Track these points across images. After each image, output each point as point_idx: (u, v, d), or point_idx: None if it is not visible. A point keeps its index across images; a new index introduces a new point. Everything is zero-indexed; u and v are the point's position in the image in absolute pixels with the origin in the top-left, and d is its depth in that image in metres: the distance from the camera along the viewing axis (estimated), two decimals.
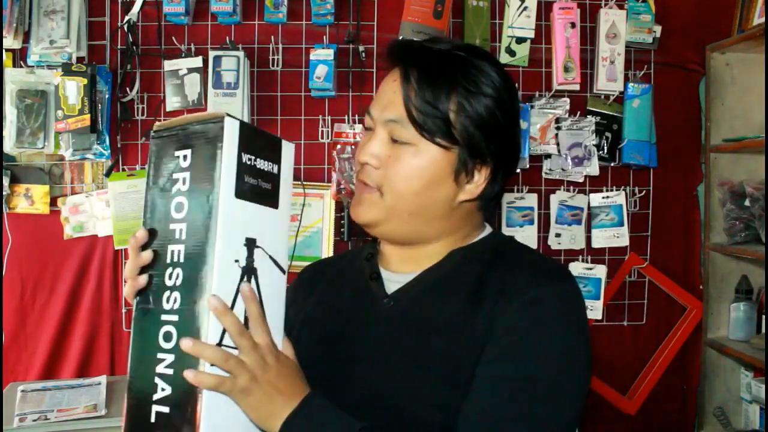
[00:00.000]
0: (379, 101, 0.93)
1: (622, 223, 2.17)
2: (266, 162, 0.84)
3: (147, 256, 0.80)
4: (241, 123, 0.81)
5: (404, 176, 0.90)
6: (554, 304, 0.86)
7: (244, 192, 0.80)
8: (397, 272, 0.98)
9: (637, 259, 2.19)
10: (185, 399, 0.76)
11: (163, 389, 0.78)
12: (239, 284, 0.79)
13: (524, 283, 0.88)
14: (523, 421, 0.82)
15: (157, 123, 0.85)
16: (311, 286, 1.09)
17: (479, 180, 0.92)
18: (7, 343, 2.13)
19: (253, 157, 0.82)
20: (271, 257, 0.84)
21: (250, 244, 0.81)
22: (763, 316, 2.10)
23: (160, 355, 0.78)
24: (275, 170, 0.86)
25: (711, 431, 2.21)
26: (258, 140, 0.83)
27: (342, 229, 2.13)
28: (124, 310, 2.16)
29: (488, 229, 1.01)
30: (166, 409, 0.77)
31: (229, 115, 0.79)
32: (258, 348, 0.79)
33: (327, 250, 2.13)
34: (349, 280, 1.03)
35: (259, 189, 0.82)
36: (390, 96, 0.91)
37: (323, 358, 0.95)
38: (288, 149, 0.89)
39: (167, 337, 0.78)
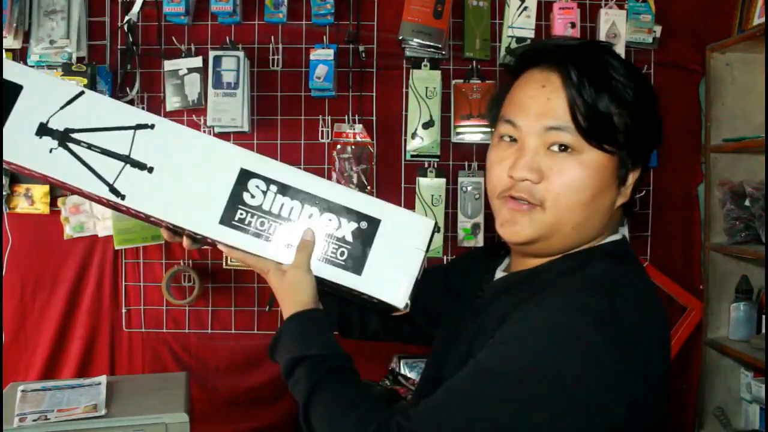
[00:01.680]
0: (528, 109, 0.85)
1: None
2: None
3: None
4: None
5: (572, 188, 0.83)
6: (551, 312, 0.78)
7: None
8: (511, 269, 0.96)
9: None
10: None
11: None
12: None
13: (556, 284, 0.83)
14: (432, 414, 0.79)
15: None
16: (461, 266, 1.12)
17: (631, 180, 0.88)
18: (7, 343, 2.13)
19: None
20: None
21: None
22: (763, 316, 2.10)
23: None
24: None
25: (711, 431, 2.21)
26: None
27: None
28: (124, 310, 2.17)
29: (614, 236, 0.92)
30: None
31: None
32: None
33: None
34: (483, 265, 1.04)
35: None
36: (544, 103, 0.83)
37: (434, 344, 1.04)
38: None
39: None
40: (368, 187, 2.12)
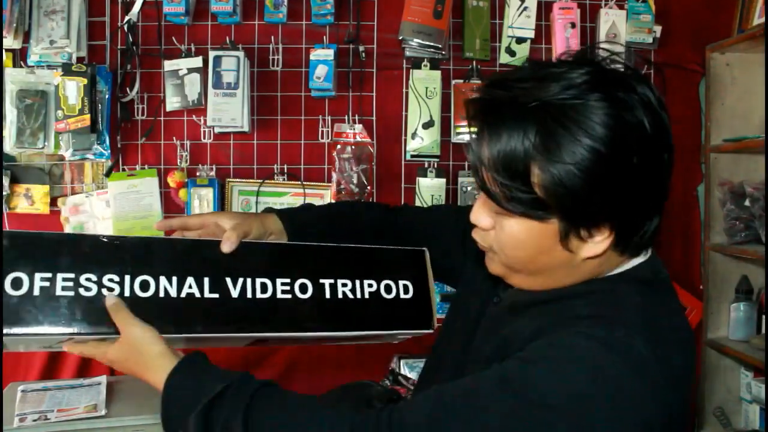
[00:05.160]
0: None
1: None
2: None
3: None
4: None
5: (508, 246, 0.80)
6: (588, 345, 0.73)
7: None
8: None
9: None
10: None
11: None
12: None
13: (590, 315, 0.77)
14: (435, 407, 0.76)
15: None
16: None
17: (602, 236, 0.77)
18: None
19: None
20: None
21: None
22: (763, 316, 2.10)
23: None
24: None
25: (711, 431, 2.21)
26: None
27: None
28: None
29: (636, 260, 0.84)
30: None
31: None
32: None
33: None
34: None
35: None
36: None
37: (445, 335, 1.01)
38: None
39: None
40: (368, 187, 2.12)
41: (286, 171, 2.15)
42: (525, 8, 2.11)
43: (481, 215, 0.82)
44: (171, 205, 2.11)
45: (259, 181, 2.12)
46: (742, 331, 2.12)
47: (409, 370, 2.12)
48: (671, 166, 0.80)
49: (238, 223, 1.00)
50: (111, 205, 2.07)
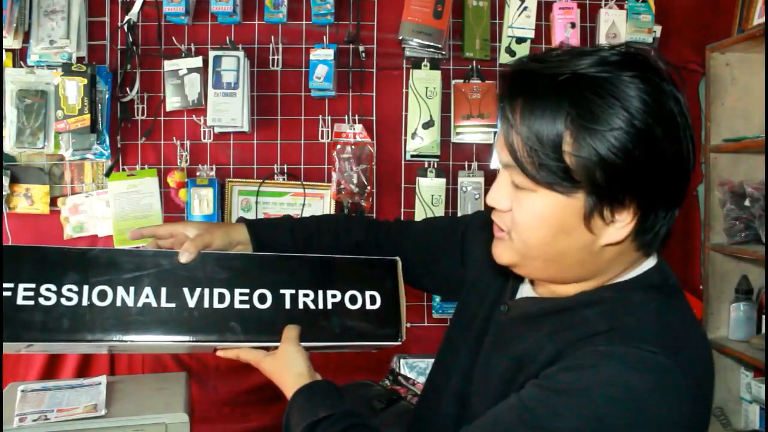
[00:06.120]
0: (498, 137, 0.81)
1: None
2: None
3: None
4: None
5: (529, 225, 0.79)
6: (611, 366, 0.72)
7: None
8: (536, 287, 0.92)
9: None
10: None
11: None
12: None
13: (606, 329, 0.76)
14: None
15: None
16: (480, 243, 1.00)
17: (624, 221, 0.76)
18: None
19: None
20: None
21: None
22: (763, 316, 2.10)
23: None
24: None
25: (711, 431, 2.21)
26: None
27: None
28: None
29: (645, 265, 0.84)
30: None
31: None
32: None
33: None
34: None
35: None
36: (501, 137, 0.79)
37: (452, 342, 1.02)
38: None
39: None
40: (368, 187, 2.12)
41: (286, 171, 2.15)
42: (525, 8, 2.11)
43: (499, 196, 0.81)
44: (171, 205, 2.11)
45: (259, 181, 2.12)
46: (742, 331, 2.12)
47: (409, 369, 2.12)
48: (692, 164, 0.78)
49: (199, 234, 1.03)
50: (111, 205, 2.07)
